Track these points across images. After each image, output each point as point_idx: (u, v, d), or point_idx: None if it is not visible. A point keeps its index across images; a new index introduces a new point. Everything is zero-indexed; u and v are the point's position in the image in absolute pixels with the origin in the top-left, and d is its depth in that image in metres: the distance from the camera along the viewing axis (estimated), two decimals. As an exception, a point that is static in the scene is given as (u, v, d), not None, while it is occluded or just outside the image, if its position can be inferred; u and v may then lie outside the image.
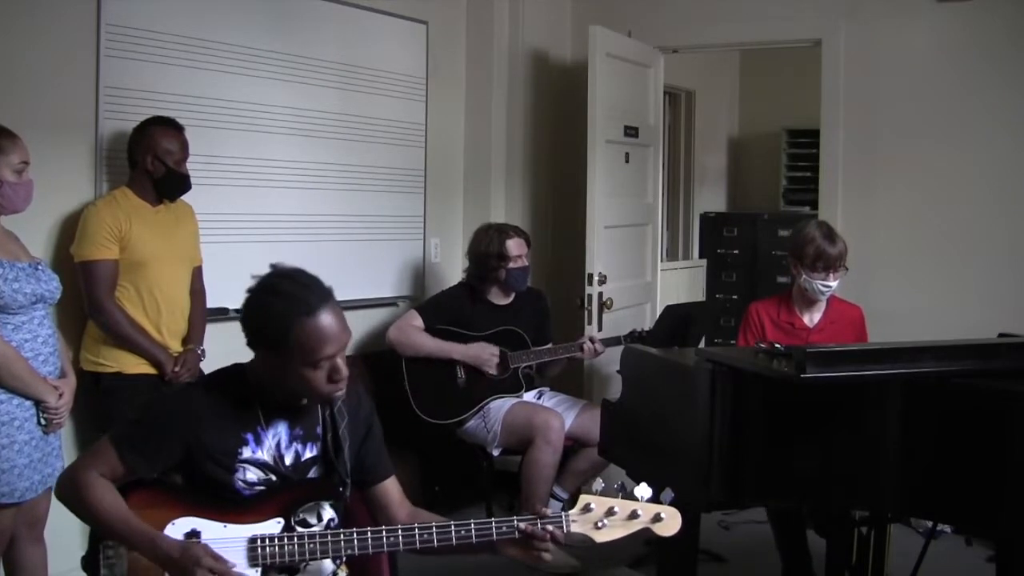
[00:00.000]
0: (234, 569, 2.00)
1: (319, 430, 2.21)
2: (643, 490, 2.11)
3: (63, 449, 3.07)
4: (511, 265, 4.31)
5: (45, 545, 3.04)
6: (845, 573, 3.21)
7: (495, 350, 4.29)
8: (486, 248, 4.32)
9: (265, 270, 2.11)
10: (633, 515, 2.10)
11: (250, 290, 2.08)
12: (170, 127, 3.47)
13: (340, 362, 2.07)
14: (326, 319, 2.03)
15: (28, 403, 2.85)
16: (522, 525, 2.08)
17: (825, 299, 3.66)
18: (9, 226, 3.00)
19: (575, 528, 2.11)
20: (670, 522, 2.12)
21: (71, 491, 2.05)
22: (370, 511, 2.30)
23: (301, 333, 2.01)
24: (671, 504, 2.13)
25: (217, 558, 1.98)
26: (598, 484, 2.12)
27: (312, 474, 2.19)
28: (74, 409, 3.45)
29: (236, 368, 2.18)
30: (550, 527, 2.09)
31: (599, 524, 2.10)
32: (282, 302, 2.03)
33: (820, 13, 4.84)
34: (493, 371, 4.28)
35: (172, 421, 2.08)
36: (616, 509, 2.10)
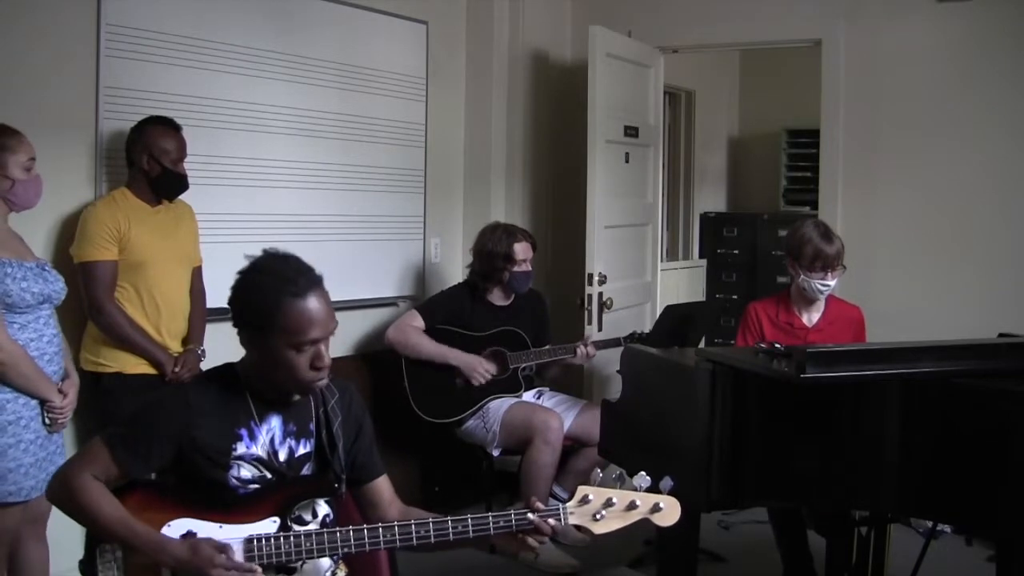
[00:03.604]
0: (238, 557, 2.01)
1: (312, 427, 2.21)
2: (641, 479, 2.09)
3: (65, 449, 3.07)
4: (515, 268, 4.31)
5: (47, 544, 3.05)
6: (845, 573, 3.21)
7: (490, 367, 4.28)
8: (493, 247, 4.32)
9: (258, 253, 2.11)
10: (631, 505, 2.08)
11: (241, 270, 2.09)
12: (167, 126, 3.46)
13: (324, 349, 2.06)
14: (314, 302, 2.03)
15: (33, 402, 2.87)
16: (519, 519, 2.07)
17: (824, 299, 3.65)
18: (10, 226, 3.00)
19: (573, 520, 2.09)
20: (669, 512, 2.10)
21: (64, 494, 2.03)
22: (361, 509, 2.30)
23: (288, 313, 2.01)
24: (669, 493, 2.10)
25: (223, 549, 1.98)
26: (596, 475, 2.10)
27: (305, 471, 2.19)
28: (76, 409, 3.46)
29: (227, 366, 2.18)
30: (550, 520, 2.08)
31: (597, 516, 2.08)
32: (272, 281, 2.03)
33: (820, 13, 4.83)
34: (496, 373, 4.28)
35: (164, 421, 2.07)
36: (614, 500, 2.08)
